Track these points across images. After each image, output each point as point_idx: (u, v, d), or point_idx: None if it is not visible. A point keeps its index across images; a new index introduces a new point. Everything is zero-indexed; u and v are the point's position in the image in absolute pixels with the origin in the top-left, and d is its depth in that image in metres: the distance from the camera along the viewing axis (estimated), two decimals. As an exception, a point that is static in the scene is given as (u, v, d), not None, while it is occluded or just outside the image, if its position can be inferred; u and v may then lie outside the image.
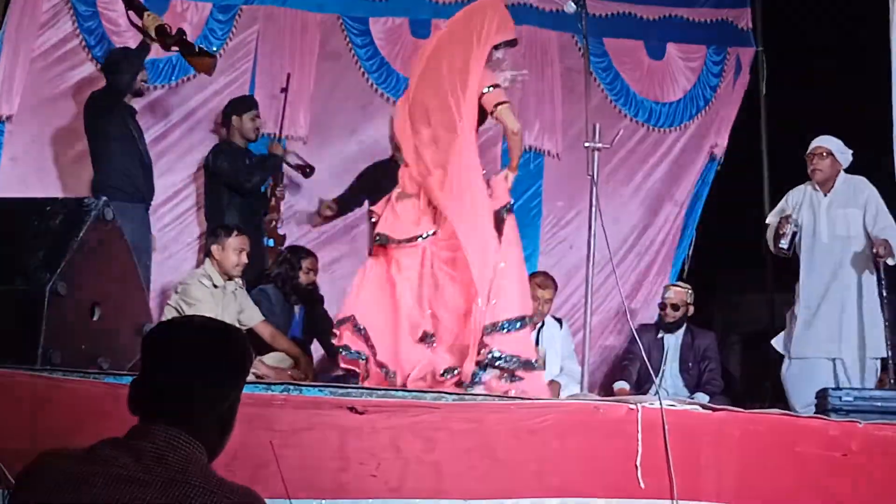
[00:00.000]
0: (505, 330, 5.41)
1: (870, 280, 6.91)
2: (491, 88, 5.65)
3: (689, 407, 4.93)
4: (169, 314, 6.50)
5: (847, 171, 7.15)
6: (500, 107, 5.64)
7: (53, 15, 7.87)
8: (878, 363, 6.90)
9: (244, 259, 6.69)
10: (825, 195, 7.09)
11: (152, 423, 2.26)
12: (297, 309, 7.39)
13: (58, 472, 2.19)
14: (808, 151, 7.13)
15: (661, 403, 4.74)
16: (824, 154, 7.05)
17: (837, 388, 6.07)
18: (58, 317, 4.31)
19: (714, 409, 4.94)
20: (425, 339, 5.50)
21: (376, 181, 7.48)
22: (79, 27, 7.87)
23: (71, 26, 7.88)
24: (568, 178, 8.32)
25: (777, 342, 7.18)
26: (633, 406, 4.79)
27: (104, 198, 4.64)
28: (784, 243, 7.05)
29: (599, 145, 5.67)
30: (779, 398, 7.12)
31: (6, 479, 3.56)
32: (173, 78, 7.91)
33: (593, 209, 5.65)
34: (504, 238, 5.56)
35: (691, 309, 7.71)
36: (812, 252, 7.07)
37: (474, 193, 5.55)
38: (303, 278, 7.26)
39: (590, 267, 5.73)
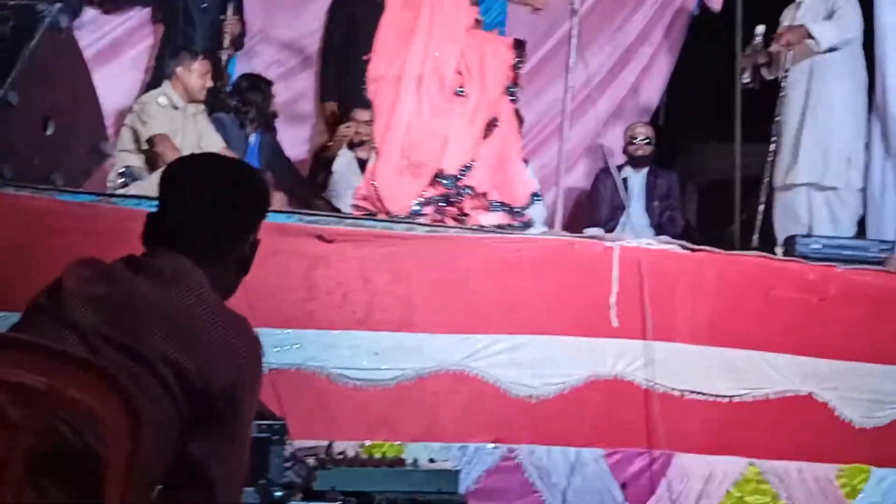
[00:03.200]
0: None
1: (852, 95, 6.45)
2: None
3: (667, 247, 4.80)
4: (126, 135, 6.26)
5: None
6: None
7: None
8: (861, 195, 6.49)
9: (209, 82, 6.46)
10: (798, 7, 6.59)
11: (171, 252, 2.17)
12: (253, 137, 7.10)
13: (80, 294, 2.10)
14: None
15: (638, 241, 4.61)
16: None
17: (807, 236, 5.93)
18: (8, 129, 4.09)
19: (693, 250, 4.80)
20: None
21: None
22: None
23: None
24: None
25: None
26: (609, 244, 4.66)
27: (59, 4, 4.33)
28: (745, 77, 6.68)
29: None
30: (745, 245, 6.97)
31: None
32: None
33: (573, 40, 5.42)
34: None
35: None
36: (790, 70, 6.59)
37: None
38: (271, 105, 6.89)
39: (566, 97, 5.54)
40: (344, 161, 6.96)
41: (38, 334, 2.01)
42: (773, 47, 6.52)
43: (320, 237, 4.33)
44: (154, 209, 2.23)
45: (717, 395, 4.75)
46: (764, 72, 6.75)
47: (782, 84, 6.40)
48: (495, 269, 4.57)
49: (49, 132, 4.30)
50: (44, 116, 4.30)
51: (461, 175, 5.06)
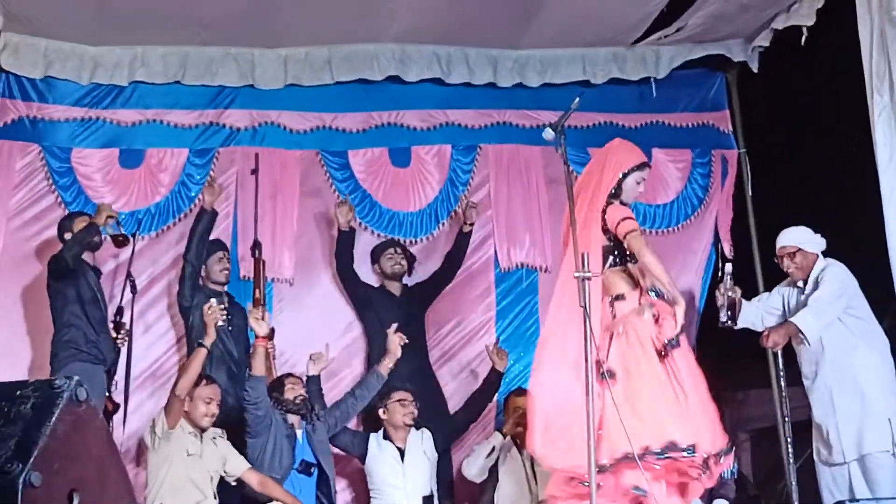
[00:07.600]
0: None
1: (866, 363, 6.50)
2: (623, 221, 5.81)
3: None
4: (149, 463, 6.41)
5: (831, 255, 6.78)
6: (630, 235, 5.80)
7: (29, 173, 7.76)
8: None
9: (214, 409, 6.45)
10: (804, 292, 6.77)
11: None
12: (299, 434, 7.07)
13: None
14: (776, 254, 6.85)
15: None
16: (793, 253, 6.77)
17: (854, 500, 5.82)
18: (33, 511, 4.09)
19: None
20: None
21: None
22: (53, 184, 7.76)
23: (45, 183, 7.77)
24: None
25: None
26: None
27: (76, 378, 4.43)
28: (722, 316, 6.74)
29: (589, 274, 5.48)
30: None
31: None
32: (153, 228, 7.80)
33: (588, 341, 5.44)
34: None
35: None
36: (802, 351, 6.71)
37: None
38: (288, 393, 6.98)
39: (590, 398, 5.51)
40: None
41: None
42: (764, 343, 6.61)
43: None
44: None
45: None
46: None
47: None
48: None
49: (74, 507, 4.33)
50: (69, 491, 4.33)
51: None
